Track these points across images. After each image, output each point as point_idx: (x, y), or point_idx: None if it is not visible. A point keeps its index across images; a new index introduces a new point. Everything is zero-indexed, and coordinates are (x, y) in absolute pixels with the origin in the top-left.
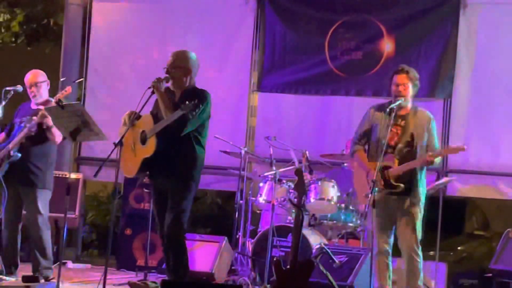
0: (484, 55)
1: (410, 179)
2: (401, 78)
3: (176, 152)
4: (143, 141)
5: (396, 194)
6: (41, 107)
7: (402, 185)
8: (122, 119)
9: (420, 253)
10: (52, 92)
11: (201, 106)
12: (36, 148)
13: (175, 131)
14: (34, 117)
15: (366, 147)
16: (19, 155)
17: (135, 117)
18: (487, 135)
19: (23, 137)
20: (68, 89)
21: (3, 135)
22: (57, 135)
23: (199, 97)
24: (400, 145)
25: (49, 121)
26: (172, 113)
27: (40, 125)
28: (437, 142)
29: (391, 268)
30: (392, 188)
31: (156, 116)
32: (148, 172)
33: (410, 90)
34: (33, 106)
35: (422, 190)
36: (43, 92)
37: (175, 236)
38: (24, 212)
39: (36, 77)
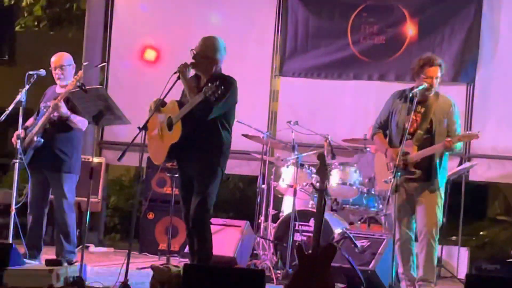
0: (507, 39)
1: (428, 166)
2: (435, 71)
3: (203, 137)
4: (170, 127)
5: (415, 181)
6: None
7: (418, 171)
8: (149, 106)
9: (437, 240)
10: None
11: (227, 93)
12: (61, 133)
13: (201, 117)
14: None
15: (387, 132)
16: (42, 140)
17: (160, 103)
18: (511, 120)
19: (46, 122)
20: (80, 73)
21: (31, 120)
22: (80, 124)
23: (225, 83)
24: (419, 132)
25: (63, 111)
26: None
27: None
28: (458, 128)
29: (414, 253)
30: (409, 174)
31: (183, 105)
32: (176, 160)
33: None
34: (58, 90)
35: (442, 178)
36: (68, 75)
37: (201, 220)
38: (51, 196)
39: (62, 59)
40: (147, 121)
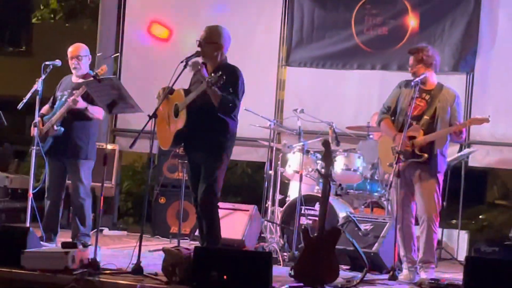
0: (505, 30)
1: (430, 152)
2: (410, 59)
3: (209, 125)
4: (176, 114)
5: (417, 166)
6: (81, 80)
7: (425, 155)
8: (157, 93)
9: (437, 223)
10: (90, 66)
11: (237, 85)
12: (79, 121)
13: (227, 113)
14: (75, 91)
15: (393, 118)
16: (62, 129)
17: (168, 91)
18: (509, 108)
19: (65, 111)
20: (104, 67)
21: (47, 106)
22: (97, 114)
23: (232, 76)
24: (425, 117)
25: (81, 104)
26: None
27: (81, 97)
28: (461, 118)
29: (415, 237)
30: (416, 157)
31: (190, 93)
32: (182, 145)
33: (422, 69)
34: (74, 80)
35: (441, 163)
36: (84, 66)
37: (208, 204)
38: (68, 181)
39: (79, 50)
40: (157, 109)
